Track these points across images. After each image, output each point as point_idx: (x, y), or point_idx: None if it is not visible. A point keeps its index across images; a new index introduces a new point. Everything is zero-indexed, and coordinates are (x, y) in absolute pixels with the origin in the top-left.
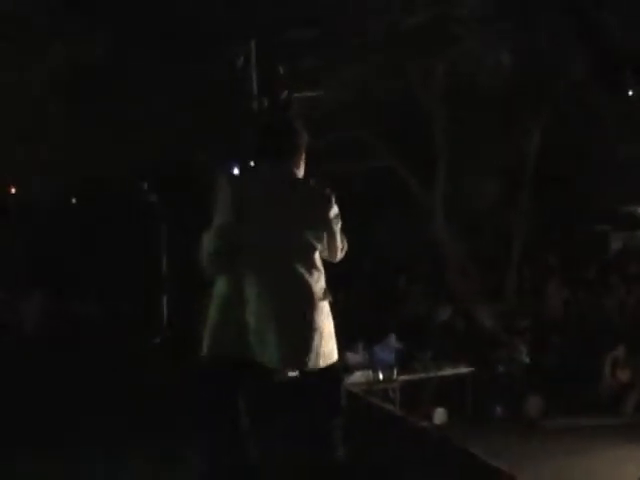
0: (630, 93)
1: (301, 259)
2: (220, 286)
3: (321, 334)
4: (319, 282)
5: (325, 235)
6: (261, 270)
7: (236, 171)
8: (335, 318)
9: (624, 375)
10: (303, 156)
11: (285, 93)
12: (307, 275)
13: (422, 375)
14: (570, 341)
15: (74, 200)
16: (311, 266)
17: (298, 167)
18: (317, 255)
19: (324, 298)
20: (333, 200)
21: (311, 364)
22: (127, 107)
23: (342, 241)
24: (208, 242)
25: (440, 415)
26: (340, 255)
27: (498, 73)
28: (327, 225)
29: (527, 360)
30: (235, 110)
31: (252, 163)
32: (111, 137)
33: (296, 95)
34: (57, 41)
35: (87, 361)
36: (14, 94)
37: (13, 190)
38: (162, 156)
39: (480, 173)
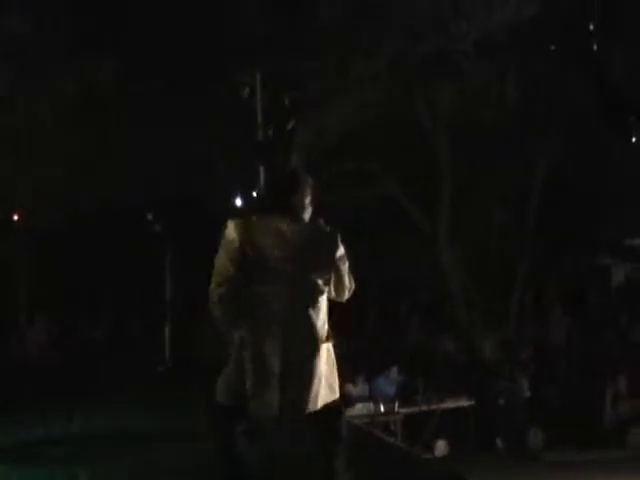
0: (634, 140)
1: (310, 303)
2: (235, 337)
3: (320, 379)
4: (325, 325)
5: (333, 276)
6: (271, 318)
7: (239, 203)
8: (337, 352)
9: (626, 407)
10: (309, 199)
11: (290, 123)
12: (315, 319)
13: (424, 408)
14: (572, 373)
15: (78, 227)
16: (319, 309)
17: (305, 211)
18: (324, 297)
19: (327, 340)
20: (339, 240)
21: (311, 408)
22: (132, 136)
23: (350, 281)
24: (210, 292)
25: (441, 447)
26: (347, 295)
27: (503, 102)
28: (335, 267)
29: (528, 393)
30: (240, 140)
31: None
32: (116, 165)
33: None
34: (66, 69)
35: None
36: (21, 119)
37: (16, 217)
38: (167, 186)
39: (484, 202)
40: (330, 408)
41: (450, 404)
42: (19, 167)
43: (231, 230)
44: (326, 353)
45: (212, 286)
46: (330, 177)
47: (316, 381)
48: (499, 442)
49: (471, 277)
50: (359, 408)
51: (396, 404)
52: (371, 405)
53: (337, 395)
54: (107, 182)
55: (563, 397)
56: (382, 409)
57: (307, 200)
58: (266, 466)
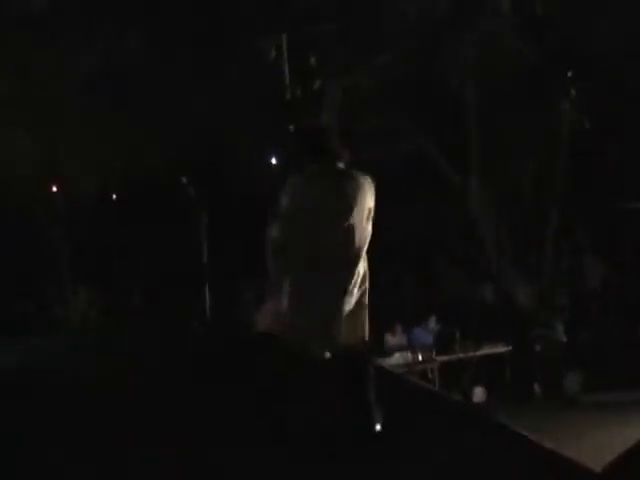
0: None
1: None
2: None
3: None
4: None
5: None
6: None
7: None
8: (374, 301)
9: None
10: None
11: (317, 83)
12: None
13: (461, 355)
14: (607, 316)
15: (114, 196)
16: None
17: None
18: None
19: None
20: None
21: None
22: (162, 103)
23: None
24: (268, 246)
25: (479, 394)
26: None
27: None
28: (370, 213)
29: (564, 338)
30: (269, 100)
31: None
32: (148, 133)
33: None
34: (92, 40)
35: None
36: (50, 92)
37: (54, 188)
38: (199, 150)
39: (513, 151)
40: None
41: (487, 351)
42: (54, 137)
43: (290, 192)
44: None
45: (268, 245)
46: (361, 134)
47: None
48: (537, 387)
49: (503, 226)
50: (397, 357)
51: (433, 352)
52: (409, 354)
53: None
54: (140, 148)
55: (599, 340)
56: (420, 357)
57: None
58: None
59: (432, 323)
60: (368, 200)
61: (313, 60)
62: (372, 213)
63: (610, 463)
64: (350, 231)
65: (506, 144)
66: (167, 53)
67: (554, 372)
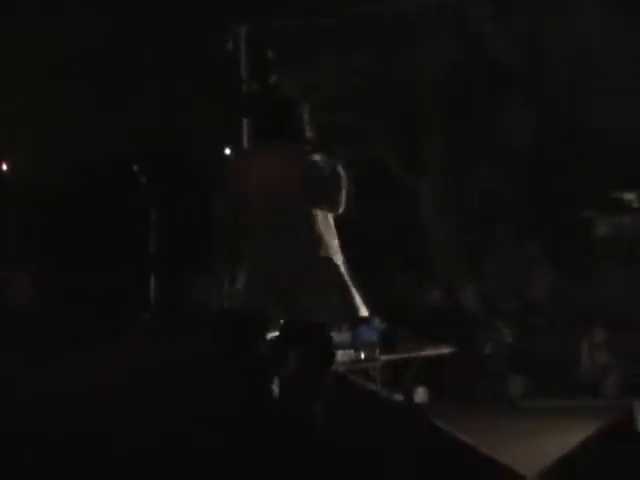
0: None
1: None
2: None
3: None
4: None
5: None
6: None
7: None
8: None
9: (601, 357)
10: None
11: (274, 77)
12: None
13: (404, 355)
14: (551, 324)
15: (63, 179)
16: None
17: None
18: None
19: None
20: None
21: None
22: (118, 88)
23: None
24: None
25: (421, 394)
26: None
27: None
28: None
29: (510, 340)
30: (225, 93)
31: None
32: (104, 116)
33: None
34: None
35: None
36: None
37: (4, 167)
38: (153, 137)
39: (469, 155)
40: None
41: (430, 352)
42: (5, 116)
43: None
44: None
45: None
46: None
47: None
48: (479, 389)
49: (452, 230)
50: (340, 355)
51: (376, 351)
52: (352, 352)
53: None
54: (94, 133)
55: (545, 346)
56: (362, 356)
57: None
58: None
59: (377, 321)
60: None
61: (271, 54)
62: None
63: (542, 470)
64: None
65: (462, 145)
66: (129, 38)
67: (499, 375)
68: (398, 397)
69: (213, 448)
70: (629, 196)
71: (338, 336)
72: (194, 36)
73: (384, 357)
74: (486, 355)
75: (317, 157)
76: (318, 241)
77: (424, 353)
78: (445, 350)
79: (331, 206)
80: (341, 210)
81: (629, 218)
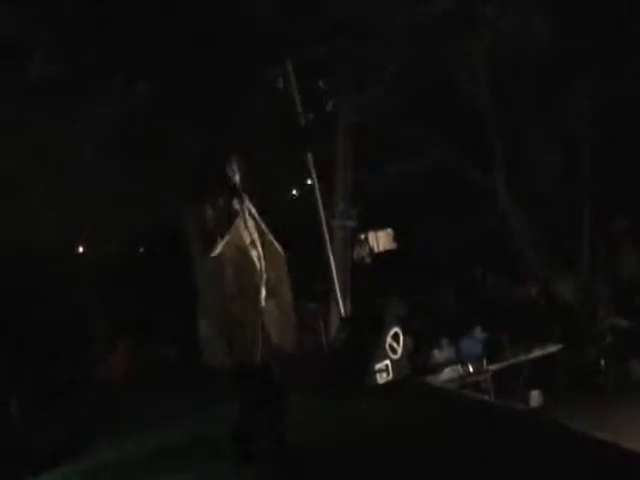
0: None
1: None
2: None
3: None
4: None
5: None
6: None
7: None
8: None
9: None
10: None
11: (329, 105)
12: None
13: (512, 361)
14: None
15: (141, 250)
16: None
17: None
18: None
19: None
20: None
21: None
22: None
23: None
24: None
25: (535, 397)
26: None
27: (539, 42)
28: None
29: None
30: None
31: None
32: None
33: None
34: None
35: None
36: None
37: (81, 249)
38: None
39: (537, 147)
40: None
41: (538, 353)
42: (73, 200)
43: None
44: None
45: None
46: (379, 151)
47: None
48: (602, 379)
49: (536, 224)
50: (447, 372)
51: (484, 362)
52: (459, 367)
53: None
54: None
55: None
56: (471, 369)
57: None
58: None
59: (478, 332)
60: None
61: (322, 82)
62: None
63: None
64: None
65: (529, 138)
66: (178, 103)
67: (620, 361)
68: (515, 404)
69: None
70: None
71: (441, 354)
72: (245, 81)
73: (493, 367)
74: (611, 343)
75: None
76: None
77: (532, 355)
78: (553, 349)
79: None
80: None
81: None
